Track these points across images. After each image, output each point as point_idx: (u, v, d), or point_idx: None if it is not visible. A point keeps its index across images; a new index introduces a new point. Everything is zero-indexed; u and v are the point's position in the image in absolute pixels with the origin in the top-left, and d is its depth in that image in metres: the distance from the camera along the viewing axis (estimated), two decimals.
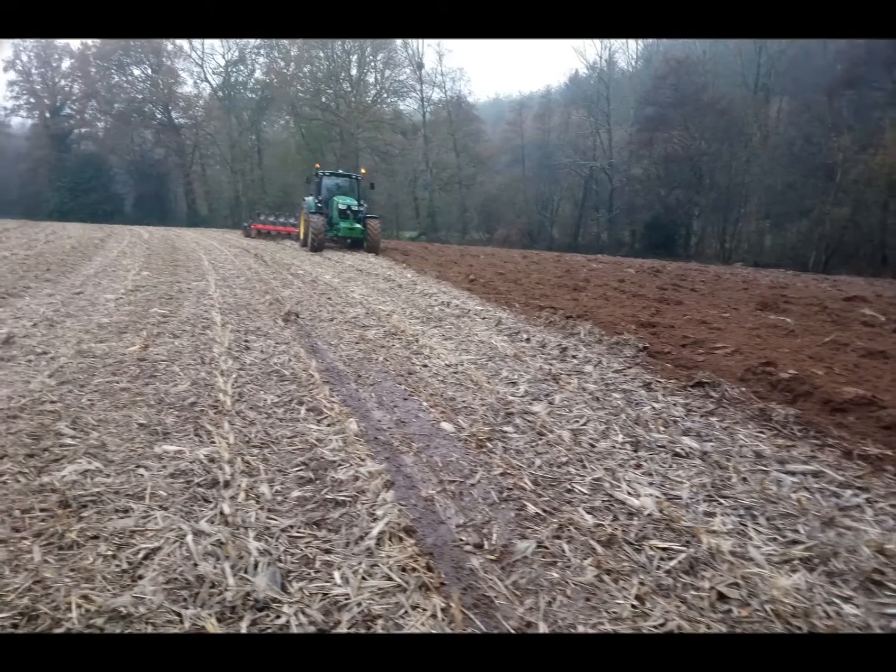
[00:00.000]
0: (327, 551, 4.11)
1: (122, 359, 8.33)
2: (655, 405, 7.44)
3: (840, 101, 50.28)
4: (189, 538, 4.04)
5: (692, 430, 6.64)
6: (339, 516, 4.59)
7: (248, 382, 7.73)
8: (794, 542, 4.45)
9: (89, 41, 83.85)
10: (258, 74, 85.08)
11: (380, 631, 3.35)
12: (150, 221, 67.94)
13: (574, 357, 9.76)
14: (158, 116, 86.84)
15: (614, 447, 6.14)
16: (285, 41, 78.10)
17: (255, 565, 3.79)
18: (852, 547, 4.35)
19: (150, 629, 3.23)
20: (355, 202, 33.44)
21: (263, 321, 11.78)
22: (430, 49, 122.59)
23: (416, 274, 22.17)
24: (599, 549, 4.33)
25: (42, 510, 4.36)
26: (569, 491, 5.23)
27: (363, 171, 41.46)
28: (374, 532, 4.30)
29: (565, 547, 4.38)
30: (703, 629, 3.49)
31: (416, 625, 3.39)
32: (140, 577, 3.65)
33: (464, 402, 7.55)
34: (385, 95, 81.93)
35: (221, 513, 4.41)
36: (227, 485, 4.86)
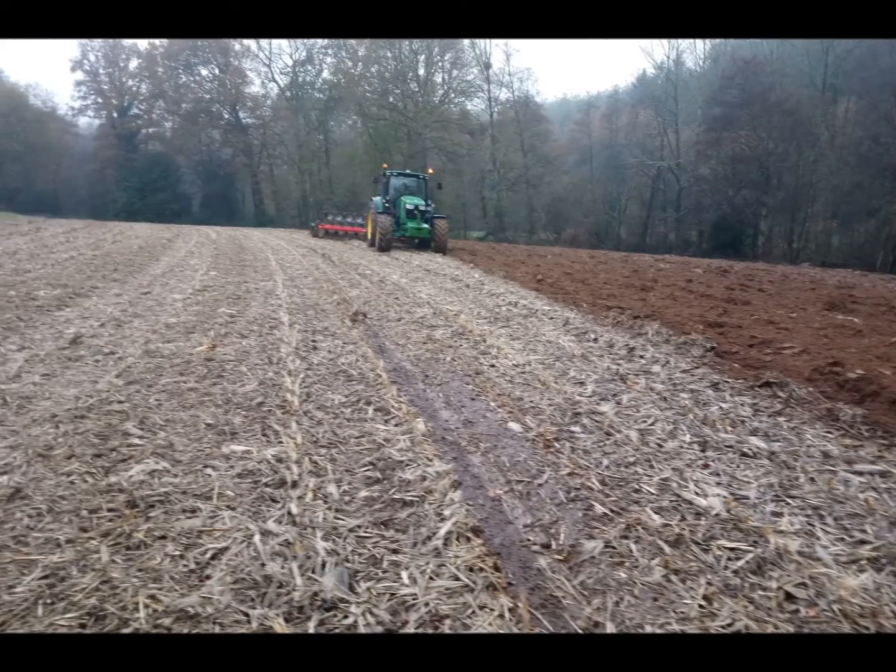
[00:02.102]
0: (395, 551, 4.12)
1: (189, 359, 8.43)
2: (723, 405, 7.38)
3: None
4: (257, 538, 4.08)
5: (760, 430, 6.58)
6: (406, 516, 4.60)
7: (316, 382, 7.77)
8: (862, 542, 4.43)
9: (157, 41, 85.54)
10: (326, 74, 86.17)
11: (447, 631, 3.36)
12: (218, 221, 68.91)
13: (641, 357, 9.71)
14: (226, 116, 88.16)
15: (682, 447, 6.10)
16: (353, 41, 78.73)
17: (323, 565, 3.81)
18: None
19: (217, 629, 3.27)
20: (423, 202, 33.30)
21: (331, 321, 11.86)
22: (497, 49, 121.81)
23: (483, 274, 22.13)
24: (667, 549, 4.32)
25: (109, 510, 4.42)
26: (636, 491, 5.21)
27: (430, 170, 41.33)
28: (442, 532, 4.31)
29: (633, 547, 4.37)
30: (770, 629, 3.46)
31: (483, 625, 3.40)
32: (208, 577, 3.70)
33: (531, 401, 7.53)
34: (452, 95, 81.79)
35: (289, 513, 4.45)
36: (294, 485, 4.89)
